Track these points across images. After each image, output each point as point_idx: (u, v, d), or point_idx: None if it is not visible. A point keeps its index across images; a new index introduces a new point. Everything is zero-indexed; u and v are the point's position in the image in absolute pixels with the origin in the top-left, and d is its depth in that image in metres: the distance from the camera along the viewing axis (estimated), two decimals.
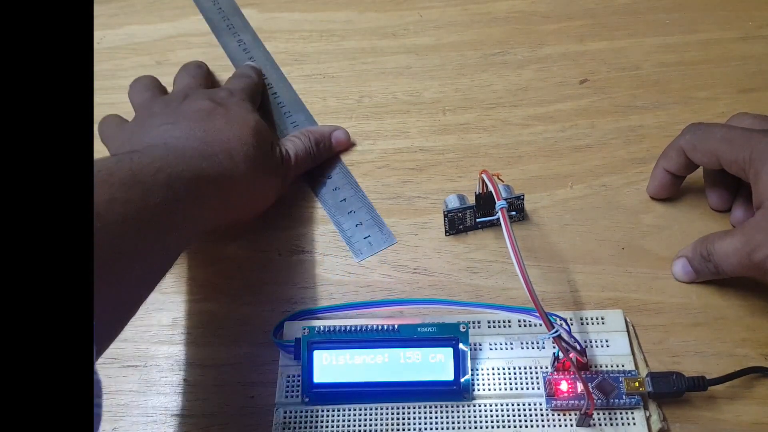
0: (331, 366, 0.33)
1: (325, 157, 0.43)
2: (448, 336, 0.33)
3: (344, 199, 0.42)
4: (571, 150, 0.43)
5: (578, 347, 0.32)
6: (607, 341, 0.34)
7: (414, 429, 0.32)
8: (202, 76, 0.45)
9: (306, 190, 0.43)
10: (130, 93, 0.45)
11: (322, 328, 0.33)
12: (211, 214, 0.36)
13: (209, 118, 0.38)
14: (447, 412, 0.33)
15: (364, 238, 0.40)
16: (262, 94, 0.47)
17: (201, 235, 0.39)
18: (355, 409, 0.33)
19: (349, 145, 0.44)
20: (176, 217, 0.32)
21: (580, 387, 0.32)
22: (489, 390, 0.33)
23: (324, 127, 0.44)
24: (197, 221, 0.35)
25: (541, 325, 0.31)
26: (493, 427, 0.32)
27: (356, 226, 0.41)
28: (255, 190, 0.38)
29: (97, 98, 0.49)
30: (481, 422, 0.32)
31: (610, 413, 0.32)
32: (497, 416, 0.32)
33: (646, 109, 0.45)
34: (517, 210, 0.39)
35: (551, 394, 0.32)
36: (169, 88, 0.45)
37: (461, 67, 0.49)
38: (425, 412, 0.33)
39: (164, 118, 0.39)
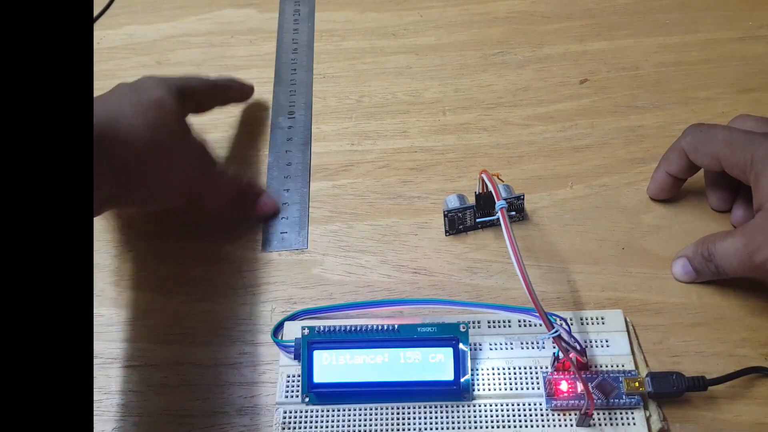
0: (331, 366, 0.33)
1: (245, 209, 0.41)
2: (448, 336, 0.33)
3: (288, 189, 0.42)
4: (571, 150, 0.43)
5: (578, 347, 0.32)
6: (607, 341, 0.34)
7: (414, 429, 0.32)
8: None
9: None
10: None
11: (322, 328, 0.33)
12: (98, 190, 0.32)
13: (111, 94, 0.36)
14: (447, 412, 0.33)
15: (281, 233, 0.40)
16: (208, 98, 0.43)
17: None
18: (355, 409, 0.33)
19: (272, 214, 0.41)
20: None
21: (580, 387, 0.32)
22: (489, 390, 0.33)
23: (259, 185, 0.42)
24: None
25: (541, 325, 0.31)
26: (493, 427, 0.32)
27: (281, 218, 0.41)
28: (148, 163, 0.34)
29: None
30: (481, 422, 0.32)
31: (610, 413, 0.32)
32: (497, 416, 0.32)
33: (646, 109, 0.45)
34: (517, 210, 0.39)
35: (551, 394, 0.32)
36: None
37: (461, 67, 0.49)
38: (425, 412, 0.33)
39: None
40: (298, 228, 0.40)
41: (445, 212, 0.39)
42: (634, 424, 0.32)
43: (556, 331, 0.31)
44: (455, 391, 0.33)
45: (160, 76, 0.39)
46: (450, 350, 0.33)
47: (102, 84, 0.49)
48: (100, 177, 0.32)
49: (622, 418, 0.32)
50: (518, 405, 0.33)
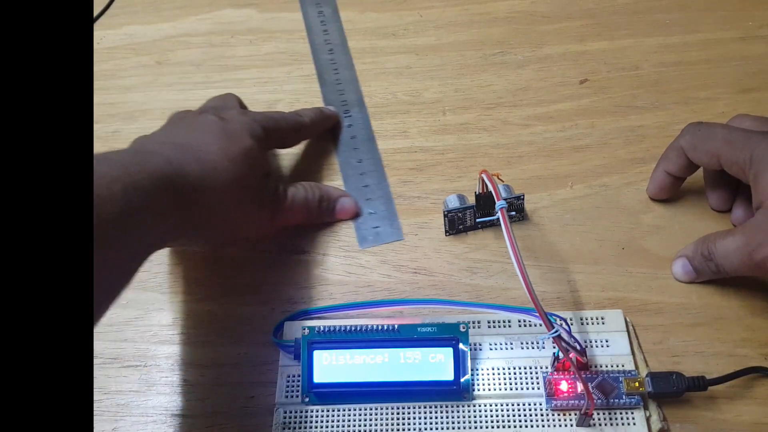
0: (331, 366, 0.33)
1: (325, 219, 0.41)
2: (448, 336, 0.33)
3: (367, 185, 0.42)
4: (571, 150, 0.43)
5: (578, 347, 0.32)
6: (607, 341, 0.34)
7: (414, 429, 0.32)
8: (232, 100, 0.42)
9: None
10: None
11: (322, 328, 0.33)
12: (171, 227, 0.33)
13: (200, 128, 0.36)
14: (447, 412, 0.33)
15: (373, 227, 0.40)
16: (298, 132, 0.43)
17: (168, 247, 0.38)
18: (355, 409, 0.33)
19: (353, 215, 0.41)
20: (131, 230, 0.30)
21: (580, 387, 0.32)
22: (489, 390, 0.33)
23: (332, 190, 0.41)
24: (155, 234, 0.32)
25: (541, 325, 0.31)
26: (493, 427, 0.32)
27: (369, 213, 0.41)
28: (230, 211, 0.35)
29: (97, 98, 0.49)
30: (481, 422, 0.32)
31: (610, 413, 0.32)
32: (497, 416, 0.32)
33: (646, 109, 0.45)
34: (517, 210, 0.39)
35: (551, 394, 0.32)
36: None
37: (461, 67, 0.49)
38: (425, 412, 0.33)
39: (166, 127, 0.38)
40: (389, 220, 0.40)
41: (445, 212, 0.39)
42: (634, 424, 0.32)
43: (556, 331, 0.31)
44: (455, 391, 0.33)
45: (249, 116, 0.38)
46: (450, 350, 0.33)
47: (102, 84, 0.50)
48: (182, 227, 0.33)
49: (622, 418, 0.32)
50: (518, 405, 0.33)
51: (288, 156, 0.44)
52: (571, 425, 0.32)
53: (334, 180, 0.43)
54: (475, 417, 0.32)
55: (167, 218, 0.32)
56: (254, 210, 0.37)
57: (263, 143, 0.37)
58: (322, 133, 0.45)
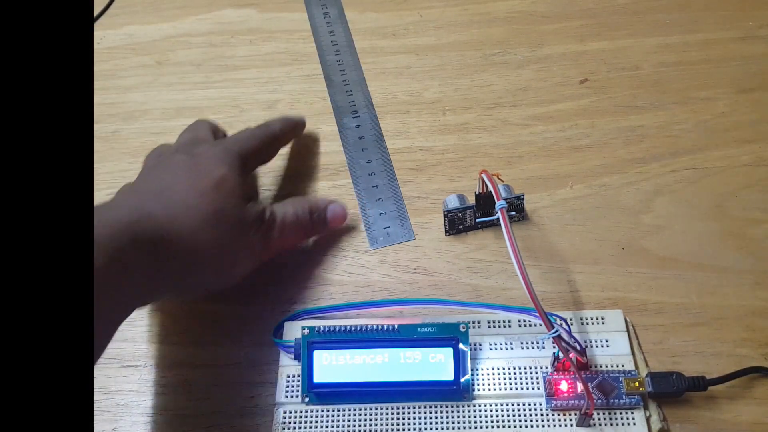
0: (331, 366, 0.33)
1: (319, 231, 0.39)
2: (448, 336, 0.33)
3: (377, 186, 0.42)
4: (571, 150, 0.43)
5: (578, 347, 0.32)
6: (607, 341, 0.34)
7: (414, 429, 0.32)
8: (203, 130, 0.40)
9: (307, 189, 0.43)
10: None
11: (322, 328, 0.33)
12: (144, 283, 0.30)
13: (169, 170, 0.34)
14: (447, 412, 0.33)
15: (384, 228, 0.40)
16: (277, 140, 0.42)
17: (163, 300, 0.37)
18: (355, 409, 0.33)
19: (344, 221, 0.39)
20: (97, 295, 0.26)
21: (580, 387, 0.32)
22: (489, 390, 0.33)
23: (320, 200, 0.39)
24: (126, 295, 0.30)
25: (541, 325, 0.31)
26: (493, 427, 0.32)
27: (380, 214, 0.41)
28: (211, 250, 0.33)
29: (97, 98, 0.49)
30: (481, 422, 0.32)
31: (610, 413, 0.32)
32: (497, 416, 0.32)
33: (646, 109, 0.45)
34: (517, 210, 0.39)
35: (551, 394, 0.32)
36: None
37: (461, 67, 0.49)
38: (425, 412, 0.33)
39: (141, 173, 0.36)
40: (399, 221, 0.40)
41: (445, 212, 0.39)
42: (634, 424, 0.32)
43: (556, 331, 0.31)
44: (455, 391, 0.33)
45: (220, 145, 0.37)
46: (450, 350, 0.33)
47: (102, 84, 0.50)
48: (158, 279, 0.31)
49: (622, 418, 0.32)
50: (518, 405, 0.33)
51: (294, 159, 0.44)
52: (571, 425, 0.32)
53: (343, 180, 0.43)
54: (475, 417, 0.32)
55: (137, 274, 0.30)
56: (239, 241, 0.34)
57: (240, 169, 0.36)
58: (293, 139, 0.44)
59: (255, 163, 0.40)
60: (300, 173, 0.44)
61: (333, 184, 0.43)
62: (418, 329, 0.33)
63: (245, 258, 0.35)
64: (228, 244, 0.34)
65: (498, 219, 0.33)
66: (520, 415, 0.32)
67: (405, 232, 0.40)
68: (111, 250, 0.28)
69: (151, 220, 0.31)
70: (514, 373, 0.34)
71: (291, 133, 0.44)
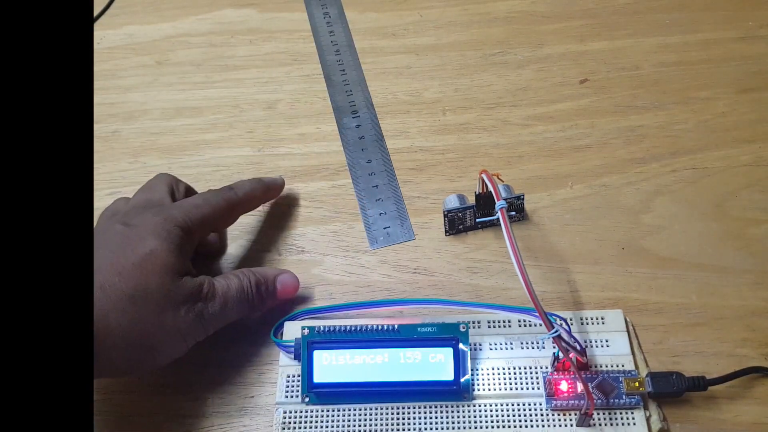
0: (331, 366, 0.33)
1: (268, 305, 0.36)
2: (448, 336, 0.33)
3: (376, 186, 0.42)
4: (571, 150, 0.43)
5: (578, 347, 0.32)
6: (607, 341, 0.34)
7: (414, 429, 0.32)
8: (160, 191, 0.37)
9: (307, 189, 0.43)
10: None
11: (322, 328, 0.33)
12: None
13: (101, 244, 0.32)
14: (447, 412, 0.33)
15: (384, 228, 0.40)
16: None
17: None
18: (355, 409, 0.33)
19: (295, 291, 0.37)
20: None
21: (580, 387, 0.32)
22: (489, 390, 0.33)
23: (268, 270, 0.37)
24: None
25: (541, 325, 0.31)
26: (493, 427, 0.32)
27: (380, 214, 0.41)
28: (125, 333, 0.30)
29: (97, 98, 0.49)
30: (481, 422, 0.32)
31: (610, 413, 0.32)
32: (497, 416, 0.32)
33: (646, 109, 0.45)
34: (517, 210, 0.39)
35: (551, 394, 0.32)
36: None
37: (461, 67, 0.49)
38: (425, 412, 0.33)
39: None
40: (399, 221, 0.40)
41: (445, 212, 0.39)
42: (634, 424, 0.32)
43: (556, 331, 0.31)
44: (455, 391, 0.33)
45: (162, 214, 0.34)
46: (450, 350, 0.33)
47: (102, 84, 0.50)
48: (98, 369, 0.29)
49: (622, 418, 0.32)
50: (518, 405, 0.33)
51: (292, 161, 0.44)
52: (571, 425, 0.32)
53: (343, 180, 0.43)
54: (475, 417, 0.32)
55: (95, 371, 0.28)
56: (162, 322, 0.31)
57: (178, 241, 0.33)
58: (265, 202, 0.42)
59: (204, 231, 0.36)
60: (300, 174, 0.44)
61: (333, 184, 0.43)
62: (418, 329, 0.33)
63: (169, 340, 0.32)
64: (145, 327, 0.31)
65: (498, 219, 0.33)
66: (520, 415, 0.32)
67: (405, 232, 0.40)
68: None
69: None
70: (514, 373, 0.33)
71: (261, 196, 0.40)
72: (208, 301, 0.33)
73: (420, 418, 0.33)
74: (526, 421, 0.32)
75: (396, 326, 0.33)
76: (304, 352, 0.33)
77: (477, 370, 0.34)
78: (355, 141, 0.45)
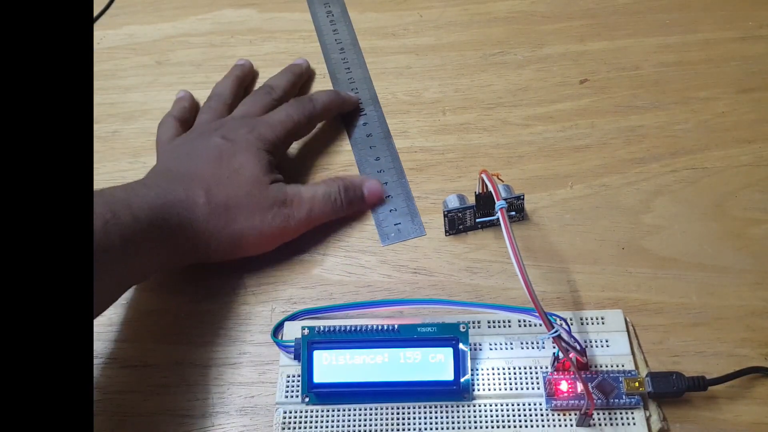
0: (331, 366, 0.33)
1: (355, 208, 0.41)
2: (448, 336, 0.33)
3: (386, 183, 0.42)
4: (571, 150, 0.43)
5: (578, 347, 0.32)
6: (607, 341, 0.34)
7: (414, 429, 0.32)
8: (258, 105, 0.43)
9: None
10: (158, 133, 0.44)
11: (322, 328, 0.33)
12: (156, 262, 0.35)
13: (200, 153, 0.38)
14: (447, 412, 0.33)
15: (395, 224, 0.40)
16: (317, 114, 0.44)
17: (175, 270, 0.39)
18: (355, 409, 0.33)
19: (382, 197, 0.41)
20: (109, 266, 0.31)
21: (580, 387, 0.32)
22: (489, 390, 0.33)
23: (355, 178, 0.41)
24: (137, 270, 0.34)
25: (541, 325, 0.31)
26: (493, 427, 0.32)
27: (390, 211, 0.41)
28: (221, 236, 0.36)
29: (97, 98, 0.49)
30: (481, 422, 0.32)
31: (610, 413, 0.32)
32: (497, 416, 0.32)
33: (646, 109, 0.45)
34: (517, 210, 0.39)
35: (551, 394, 0.32)
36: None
37: (461, 67, 0.49)
38: (425, 412, 0.33)
39: (166, 155, 0.40)
40: (410, 217, 0.41)
41: (445, 212, 0.39)
42: (634, 424, 0.32)
43: (556, 331, 0.31)
44: (455, 391, 0.33)
45: (256, 130, 0.39)
46: (450, 350, 0.33)
47: (102, 84, 0.50)
48: (167, 260, 0.35)
49: (622, 418, 0.32)
50: (518, 405, 0.33)
51: (303, 155, 0.45)
52: (571, 425, 0.32)
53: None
54: (475, 417, 0.32)
55: (151, 255, 0.34)
56: (251, 227, 0.37)
57: (265, 156, 0.39)
58: (335, 115, 0.46)
59: (288, 143, 0.42)
60: (309, 171, 0.44)
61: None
62: (418, 329, 0.33)
63: (258, 240, 0.37)
64: (237, 229, 0.36)
65: (498, 219, 0.33)
66: (520, 415, 0.32)
67: (416, 228, 0.40)
68: (128, 233, 0.32)
69: (175, 206, 0.35)
70: (514, 373, 0.34)
71: (336, 108, 0.45)
72: (294, 208, 0.38)
73: (420, 418, 0.33)
74: (526, 421, 0.32)
75: (396, 326, 0.33)
76: (304, 352, 0.33)
77: (477, 370, 0.34)
78: (363, 138, 0.45)
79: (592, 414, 0.32)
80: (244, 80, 0.48)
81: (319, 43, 0.51)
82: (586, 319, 0.35)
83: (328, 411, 0.33)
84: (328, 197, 0.39)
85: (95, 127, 0.47)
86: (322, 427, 0.33)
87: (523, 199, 0.39)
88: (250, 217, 0.37)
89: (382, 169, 0.43)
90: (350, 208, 0.40)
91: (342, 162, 0.44)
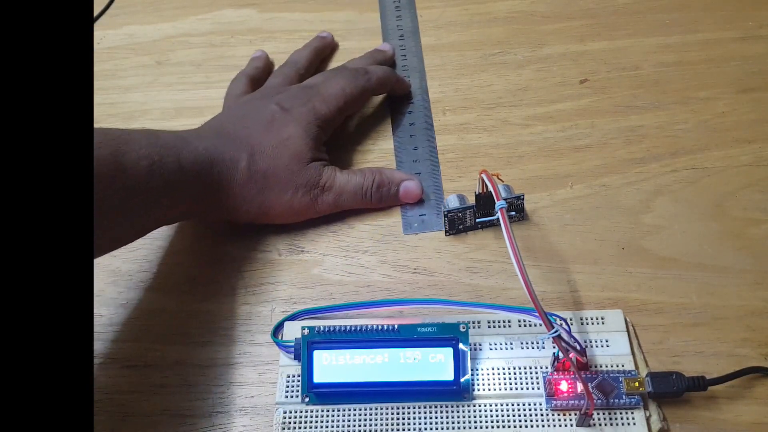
0: (331, 366, 0.33)
1: (386, 204, 0.41)
2: (448, 336, 0.33)
3: (419, 173, 0.43)
4: (571, 150, 0.43)
5: (578, 347, 0.32)
6: (607, 341, 0.34)
7: (414, 429, 0.32)
8: (293, 75, 0.45)
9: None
10: (228, 87, 0.46)
11: (322, 328, 0.33)
12: (190, 211, 0.37)
13: (254, 116, 0.39)
14: (447, 412, 0.33)
15: (420, 215, 0.41)
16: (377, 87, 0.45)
17: (199, 220, 0.41)
18: (355, 409, 0.33)
19: (417, 199, 0.41)
20: (146, 204, 0.34)
21: (580, 387, 0.32)
22: (489, 390, 0.33)
23: (396, 174, 0.41)
24: (171, 214, 0.36)
25: (541, 325, 0.31)
26: (493, 427, 0.32)
27: (418, 201, 0.41)
28: (252, 202, 0.38)
29: (97, 98, 0.49)
30: (481, 422, 0.32)
31: (610, 413, 0.32)
32: (497, 416, 0.32)
33: (646, 109, 0.45)
34: (517, 210, 0.39)
35: (551, 394, 0.32)
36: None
37: (461, 67, 0.49)
38: (425, 412, 0.33)
39: (226, 112, 0.42)
40: (436, 210, 0.41)
41: (445, 212, 0.39)
42: (634, 424, 0.32)
43: (556, 331, 0.31)
44: (455, 391, 0.33)
45: (310, 103, 0.40)
46: (450, 350, 0.33)
47: (102, 84, 0.50)
48: (205, 209, 0.38)
49: (622, 418, 0.32)
50: (518, 405, 0.33)
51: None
52: (571, 425, 0.32)
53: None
54: (475, 417, 0.32)
55: (185, 203, 0.36)
56: (281, 199, 0.38)
57: (314, 131, 0.39)
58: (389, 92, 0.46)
59: (341, 117, 0.42)
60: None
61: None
62: (418, 329, 0.33)
63: (286, 212, 0.39)
64: (268, 198, 0.38)
65: (498, 219, 0.33)
66: (520, 415, 0.32)
67: (439, 221, 0.40)
68: (171, 179, 0.34)
69: (218, 164, 0.37)
70: (514, 373, 0.34)
71: (390, 86, 0.46)
72: (324, 191, 0.39)
73: (420, 418, 0.33)
74: (526, 421, 0.32)
75: (396, 326, 0.33)
76: (304, 352, 0.33)
77: (477, 370, 0.34)
78: (406, 127, 0.45)
79: (592, 414, 0.32)
80: (322, 52, 0.49)
81: (381, 26, 0.52)
82: (586, 319, 0.35)
83: (328, 411, 0.33)
84: (359, 189, 0.40)
85: (95, 127, 0.47)
86: (322, 427, 0.33)
87: (523, 199, 0.39)
88: (283, 191, 0.38)
89: (418, 159, 0.43)
90: (380, 203, 0.41)
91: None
